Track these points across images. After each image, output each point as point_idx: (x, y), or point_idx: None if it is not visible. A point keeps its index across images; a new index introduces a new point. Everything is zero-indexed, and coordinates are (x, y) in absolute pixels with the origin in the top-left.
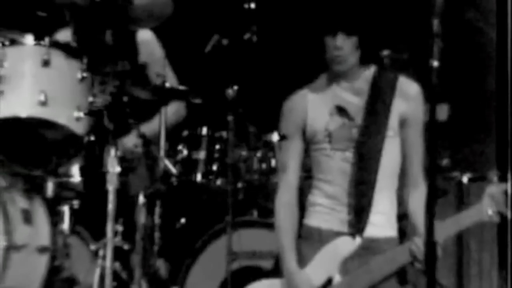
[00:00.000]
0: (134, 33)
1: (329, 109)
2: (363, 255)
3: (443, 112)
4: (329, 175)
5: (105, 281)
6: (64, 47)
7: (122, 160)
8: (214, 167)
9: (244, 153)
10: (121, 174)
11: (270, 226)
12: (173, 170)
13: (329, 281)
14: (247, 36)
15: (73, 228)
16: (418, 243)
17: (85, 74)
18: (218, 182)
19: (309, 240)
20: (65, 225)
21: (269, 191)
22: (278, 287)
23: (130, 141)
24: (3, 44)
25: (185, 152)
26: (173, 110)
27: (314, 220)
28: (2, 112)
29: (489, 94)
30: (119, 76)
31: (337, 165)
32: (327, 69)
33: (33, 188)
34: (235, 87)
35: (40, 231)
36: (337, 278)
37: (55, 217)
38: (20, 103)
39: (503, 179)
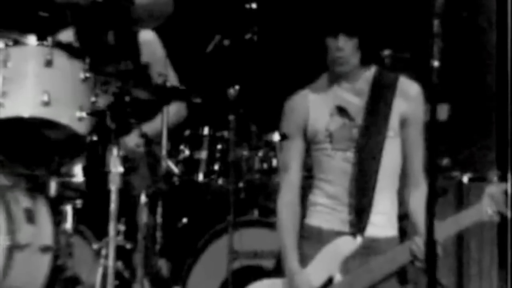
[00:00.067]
0: (136, 33)
1: (330, 109)
2: (364, 255)
3: (443, 112)
4: (330, 175)
5: (108, 280)
6: (66, 48)
7: (124, 160)
8: (216, 167)
9: (245, 152)
10: (123, 174)
11: (271, 226)
12: (175, 169)
13: (330, 281)
14: (248, 36)
15: (75, 227)
16: (418, 243)
17: (87, 74)
18: (220, 181)
19: (310, 239)
20: (68, 224)
21: (270, 191)
22: (279, 287)
23: (132, 140)
24: (6, 45)
25: (187, 151)
26: (174, 110)
27: (315, 219)
28: (5, 112)
29: (489, 94)
30: (122, 76)
31: (338, 165)
32: (328, 69)
33: (36, 188)
34: (237, 87)
35: (43, 231)
36: (338, 278)
37: (58, 217)
38: (23, 103)
39: (503, 179)
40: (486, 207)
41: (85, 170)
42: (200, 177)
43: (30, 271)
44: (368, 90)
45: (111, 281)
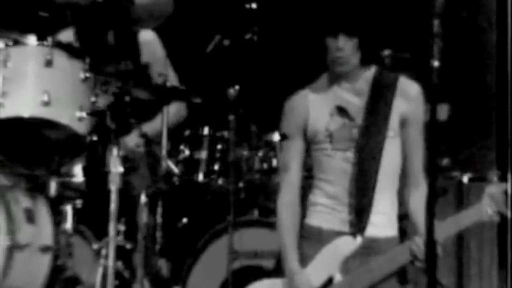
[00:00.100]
0: (136, 33)
1: (330, 109)
2: (364, 255)
3: (443, 112)
4: (330, 175)
5: (108, 280)
6: (66, 48)
7: (124, 160)
8: (216, 167)
9: (245, 152)
10: (123, 174)
11: (271, 226)
12: (175, 169)
13: (330, 281)
14: (248, 36)
15: (75, 227)
16: (418, 243)
17: (87, 74)
18: (220, 181)
19: (310, 239)
20: (68, 224)
21: (270, 191)
22: (279, 287)
23: (132, 140)
24: (6, 45)
25: (187, 151)
26: (174, 110)
27: (315, 219)
28: (5, 112)
29: (489, 94)
30: (122, 76)
31: (338, 165)
32: (328, 69)
33: (36, 188)
34: (237, 87)
35: (43, 231)
36: (338, 278)
37: (58, 217)
38: (23, 103)
39: (503, 179)
40: (486, 207)
41: (85, 170)
42: (200, 177)
43: (30, 271)
44: (368, 90)
45: (111, 281)
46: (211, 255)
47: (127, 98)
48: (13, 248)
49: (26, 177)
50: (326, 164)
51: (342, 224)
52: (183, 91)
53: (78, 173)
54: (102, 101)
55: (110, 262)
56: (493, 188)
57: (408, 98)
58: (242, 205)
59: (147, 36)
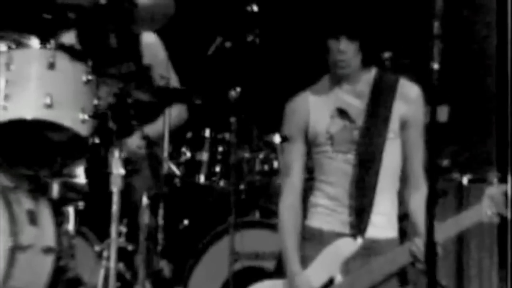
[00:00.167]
0: (138, 36)
1: (331, 111)
2: (364, 256)
3: (443, 114)
4: (330, 177)
5: (109, 282)
6: (69, 50)
7: (126, 162)
8: (217, 169)
9: (246, 154)
10: (125, 176)
11: (272, 227)
12: (177, 171)
13: (330, 281)
14: (249, 38)
15: (78, 229)
16: (418, 244)
17: (90, 77)
18: (221, 183)
19: (310, 241)
20: (70, 226)
21: (271, 192)
22: None
23: (134, 142)
24: (9, 48)
25: (188, 153)
26: (175, 113)
27: (315, 221)
28: (8, 115)
29: (489, 95)
30: (124, 78)
31: (338, 167)
32: (329, 71)
33: (39, 189)
34: (238, 89)
35: (46, 232)
36: (338, 278)
37: (60, 218)
38: (26, 106)
39: (503, 180)
40: (486, 208)
41: (87, 172)
42: (202, 178)
43: (33, 272)
44: (368, 92)
45: (112, 282)
46: (213, 257)
47: (129, 100)
48: (16, 249)
49: (28, 178)
50: (326, 166)
51: (343, 225)
52: (185, 93)
53: (80, 175)
54: (104, 104)
55: (112, 263)
56: (493, 190)
57: (408, 100)
58: (243, 206)
59: (149, 39)
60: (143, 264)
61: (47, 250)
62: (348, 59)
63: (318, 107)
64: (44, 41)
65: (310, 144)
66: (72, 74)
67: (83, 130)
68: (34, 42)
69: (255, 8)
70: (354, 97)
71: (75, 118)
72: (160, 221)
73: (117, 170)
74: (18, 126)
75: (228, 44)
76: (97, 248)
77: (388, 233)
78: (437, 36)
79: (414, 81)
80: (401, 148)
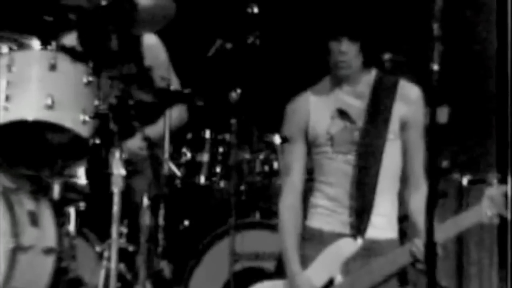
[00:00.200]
0: (139, 37)
1: (331, 112)
2: (364, 256)
3: (443, 115)
4: (331, 178)
5: (110, 282)
6: (70, 51)
7: (127, 163)
8: (218, 170)
9: (247, 155)
10: (126, 177)
11: (273, 228)
12: (177, 172)
13: (330, 282)
14: (250, 40)
15: (79, 229)
16: (418, 244)
17: (90, 78)
18: (222, 184)
19: (311, 241)
20: (71, 226)
21: (271, 193)
22: None
23: (135, 144)
24: (11, 49)
25: (188, 154)
26: (176, 114)
27: (315, 221)
28: (9, 116)
29: (488, 96)
30: (125, 79)
31: (339, 168)
32: (330, 73)
33: (40, 190)
34: (238, 90)
35: (47, 233)
36: (338, 279)
37: (61, 219)
38: (27, 107)
39: (502, 181)
40: (485, 209)
41: (88, 173)
42: (202, 179)
43: (34, 273)
44: (368, 93)
45: (113, 283)
46: (213, 257)
47: (130, 102)
48: (17, 250)
49: (29, 179)
50: (327, 167)
51: (343, 226)
52: (186, 94)
53: (81, 176)
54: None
55: (113, 264)
56: (493, 191)
57: (409, 101)
58: (244, 207)
59: (150, 40)
60: (143, 264)
61: (48, 251)
62: (349, 60)
63: (319, 108)
64: (45, 42)
65: (310, 145)
66: (73, 76)
67: (84, 131)
68: (35, 43)
69: (255, 9)
70: (354, 98)
71: (76, 119)
72: (161, 221)
73: (118, 171)
74: (19, 127)
75: (228, 46)
76: (98, 248)
77: (388, 233)
78: (437, 38)
79: (414, 82)
80: (401, 149)
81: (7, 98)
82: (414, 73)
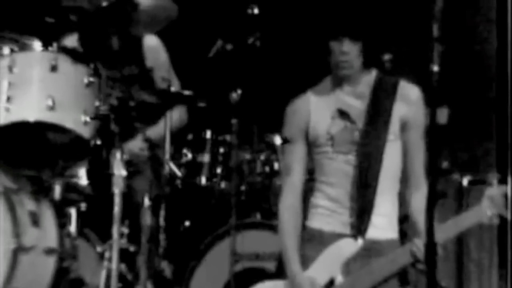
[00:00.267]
0: (140, 38)
1: (331, 112)
2: (365, 257)
3: (443, 115)
4: (331, 178)
5: (111, 283)
6: (71, 53)
7: (128, 164)
8: (218, 170)
9: (247, 156)
10: (127, 178)
11: (273, 228)
12: (178, 173)
13: (331, 282)
14: (250, 40)
15: (80, 230)
16: (418, 244)
17: (91, 79)
18: (222, 184)
19: (311, 241)
20: (72, 227)
21: (272, 194)
22: None
23: (136, 145)
24: (12, 51)
25: (189, 155)
26: (176, 115)
27: (316, 222)
28: (11, 117)
29: (489, 97)
30: (127, 81)
31: (339, 168)
32: (330, 73)
33: (41, 191)
34: (239, 91)
35: (48, 233)
36: (339, 279)
37: (62, 220)
38: (28, 108)
39: (502, 181)
40: (485, 209)
41: (89, 174)
42: (203, 180)
43: (35, 274)
44: (369, 94)
45: (114, 283)
46: (214, 258)
47: (131, 103)
48: (18, 250)
49: (31, 180)
50: (327, 167)
51: (343, 226)
52: (187, 95)
53: (82, 177)
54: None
55: (114, 264)
56: (493, 191)
57: (409, 102)
58: (244, 207)
59: (151, 41)
60: (144, 265)
61: (49, 251)
62: (351, 60)
63: (319, 108)
64: (46, 44)
65: (311, 145)
66: (74, 77)
67: (85, 132)
68: (37, 44)
69: (256, 10)
70: (354, 98)
71: (77, 120)
72: (162, 222)
73: (119, 171)
74: (21, 128)
75: (229, 46)
76: (99, 249)
77: (389, 234)
78: (436, 39)
79: (414, 83)
80: (401, 149)
81: (9, 99)
82: (414, 73)
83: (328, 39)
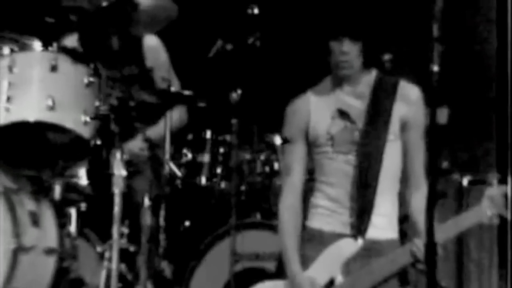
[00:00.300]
0: (140, 38)
1: (331, 112)
2: (365, 257)
3: (443, 115)
4: (331, 178)
5: (111, 282)
6: (71, 53)
7: (128, 164)
8: (218, 170)
9: (247, 156)
10: (127, 177)
11: (273, 228)
12: (178, 173)
13: (331, 282)
14: (250, 40)
15: (80, 230)
16: (418, 245)
17: (91, 79)
18: (222, 184)
19: (311, 242)
20: (72, 227)
21: (272, 194)
22: None
23: (136, 145)
24: (12, 51)
25: (189, 155)
26: (176, 115)
27: (316, 222)
28: (11, 117)
29: (489, 97)
30: (127, 81)
31: (339, 168)
32: (330, 73)
33: (41, 191)
34: (239, 91)
35: (48, 233)
36: (339, 279)
37: (62, 220)
38: (28, 108)
39: (502, 181)
40: (485, 209)
41: (89, 174)
42: (203, 180)
43: (35, 274)
44: (369, 94)
45: (114, 283)
46: (214, 258)
47: (131, 103)
48: (18, 250)
49: (31, 180)
50: (327, 167)
51: (343, 226)
52: (187, 95)
53: (82, 177)
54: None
55: (114, 264)
56: (493, 191)
57: (409, 102)
58: (244, 207)
59: (151, 41)
60: (144, 265)
61: (49, 251)
62: (351, 60)
63: (319, 108)
64: (46, 44)
65: (311, 145)
66: (74, 77)
67: (85, 132)
68: (37, 44)
69: (256, 10)
70: (354, 98)
71: (77, 120)
72: (162, 222)
73: (119, 171)
74: (21, 128)
75: (229, 47)
76: (99, 249)
77: (389, 234)
78: (436, 39)
79: (414, 83)
80: (401, 149)
81: (9, 99)
82: (414, 73)
83: (328, 39)
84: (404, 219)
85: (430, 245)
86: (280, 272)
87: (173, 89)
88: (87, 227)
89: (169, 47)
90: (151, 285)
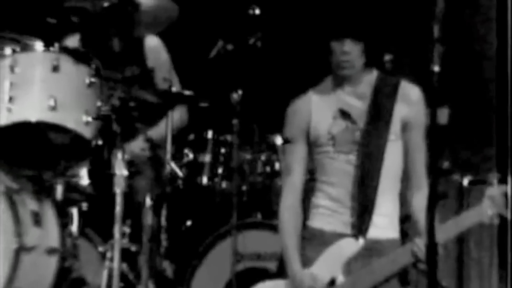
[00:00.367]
0: (141, 39)
1: (333, 112)
2: (366, 256)
3: (443, 115)
4: (332, 177)
5: (113, 282)
6: (73, 53)
7: (129, 165)
8: (220, 170)
9: (248, 156)
10: (128, 177)
11: (274, 228)
12: (179, 173)
13: (332, 282)
14: (251, 41)
15: (81, 230)
16: (419, 244)
17: (93, 79)
18: (223, 184)
19: (312, 241)
20: (74, 227)
21: (273, 194)
22: None
23: (138, 145)
24: (14, 51)
25: (191, 155)
26: (177, 115)
27: (317, 222)
28: (12, 117)
29: (489, 97)
30: (128, 81)
31: (340, 168)
32: (331, 73)
33: (43, 191)
34: (240, 92)
35: (50, 233)
36: (340, 279)
37: (64, 219)
38: (30, 108)
39: (503, 181)
40: (486, 209)
41: (91, 174)
42: (204, 180)
43: (37, 273)
44: (370, 94)
45: (116, 283)
46: (215, 257)
47: (132, 103)
48: (20, 250)
49: (32, 180)
50: (328, 167)
51: (344, 226)
52: (188, 96)
53: (84, 176)
54: (107, 108)
55: (115, 264)
56: (493, 191)
57: (410, 102)
58: (245, 207)
59: (152, 42)
60: (146, 264)
61: (51, 251)
62: (353, 60)
63: (320, 108)
64: (48, 44)
65: (312, 145)
66: (75, 77)
67: (87, 132)
68: (38, 45)
69: (257, 11)
70: (356, 98)
71: (78, 120)
72: (163, 222)
73: (120, 171)
74: (23, 128)
75: (230, 47)
76: (100, 248)
77: (390, 233)
78: (437, 39)
79: (415, 83)
80: (402, 149)
81: (10, 99)
82: (415, 74)
83: (329, 39)
84: (405, 219)
85: (431, 245)
86: (281, 272)
87: (174, 89)
88: (89, 227)
89: (170, 48)
90: (153, 285)
